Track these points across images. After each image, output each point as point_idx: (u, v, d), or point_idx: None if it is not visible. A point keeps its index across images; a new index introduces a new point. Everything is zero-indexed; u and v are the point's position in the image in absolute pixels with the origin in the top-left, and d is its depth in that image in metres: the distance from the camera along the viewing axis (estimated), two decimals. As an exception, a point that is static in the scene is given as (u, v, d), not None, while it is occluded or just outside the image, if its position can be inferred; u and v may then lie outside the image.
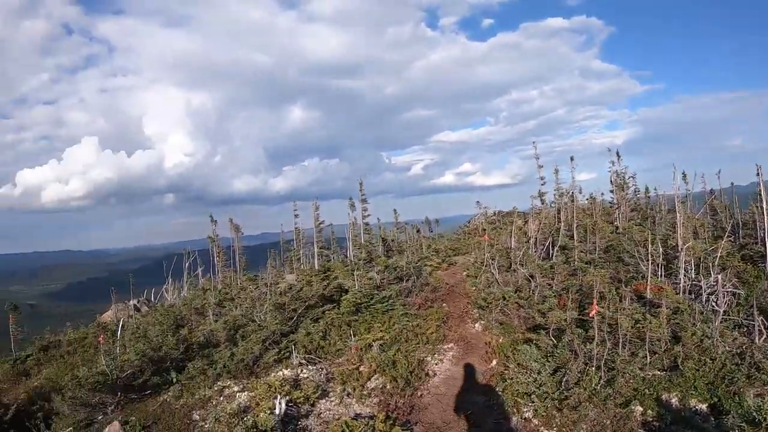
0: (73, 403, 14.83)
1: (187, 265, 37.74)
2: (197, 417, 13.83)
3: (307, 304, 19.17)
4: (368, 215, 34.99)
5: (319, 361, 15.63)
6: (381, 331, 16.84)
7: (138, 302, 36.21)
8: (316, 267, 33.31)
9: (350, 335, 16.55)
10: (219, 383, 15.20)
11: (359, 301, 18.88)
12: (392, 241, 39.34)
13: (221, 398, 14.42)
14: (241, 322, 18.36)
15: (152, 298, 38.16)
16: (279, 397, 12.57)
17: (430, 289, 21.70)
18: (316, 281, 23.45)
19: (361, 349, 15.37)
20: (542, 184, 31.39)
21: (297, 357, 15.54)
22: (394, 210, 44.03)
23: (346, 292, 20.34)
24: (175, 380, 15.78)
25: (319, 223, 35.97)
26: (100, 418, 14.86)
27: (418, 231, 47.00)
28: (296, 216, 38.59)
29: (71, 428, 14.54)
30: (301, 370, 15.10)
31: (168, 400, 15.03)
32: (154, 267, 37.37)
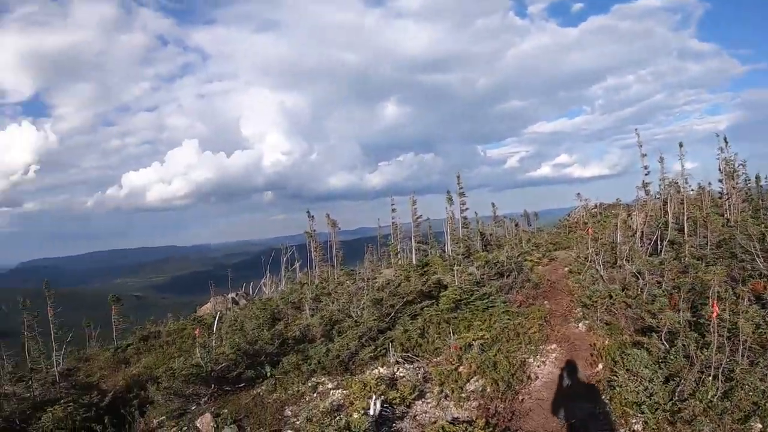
0: (167, 394, 14.93)
1: (284, 259, 38.04)
2: (289, 413, 13.52)
3: (405, 300, 18.64)
4: (466, 209, 34.43)
5: (417, 360, 14.89)
6: (481, 329, 15.90)
7: (236, 295, 36.67)
8: (414, 262, 32.92)
9: (449, 333, 15.71)
10: (313, 379, 14.85)
11: (459, 297, 18.02)
12: (490, 235, 38.64)
13: (315, 395, 14.06)
14: (337, 317, 18.07)
15: (251, 292, 38.69)
16: (374, 397, 11.91)
17: (531, 286, 20.62)
18: (415, 276, 23.01)
19: (460, 348, 14.50)
20: (646, 174, 30.01)
21: (394, 355, 14.91)
22: (492, 203, 43.27)
23: (445, 288, 19.67)
24: (269, 374, 15.61)
25: (417, 218, 35.63)
26: (193, 408, 14.99)
27: (516, 225, 46.02)
28: (393, 210, 38.45)
29: (164, 417, 14.76)
30: (398, 369, 14.46)
31: (261, 394, 14.86)
32: (253, 261, 37.93)
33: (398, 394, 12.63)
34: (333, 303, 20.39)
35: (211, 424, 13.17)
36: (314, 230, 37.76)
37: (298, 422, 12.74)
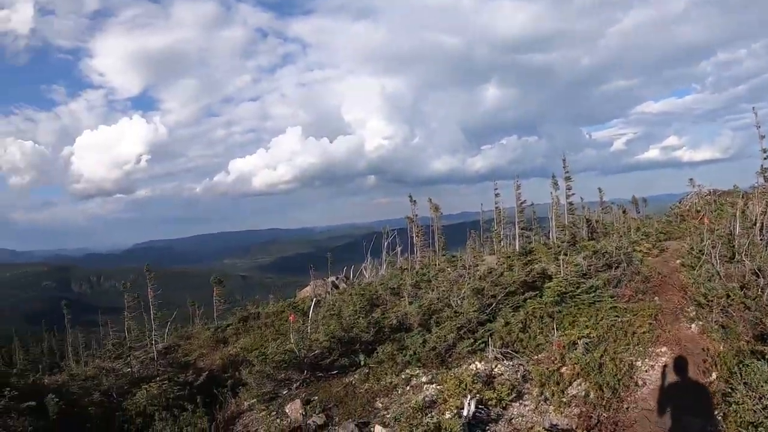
0: (259, 377, 15.02)
1: (385, 243, 37.84)
2: (380, 405, 13.20)
3: (507, 290, 17.69)
4: (572, 194, 33.35)
5: (516, 357, 14.02)
6: (587, 326, 14.72)
7: (336, 279, 36.80)
8: (517, 249, 32.13)
9: (552, 329, 14.75)
10: (407, 371, 14.47)
11: (564, 290, 16.91)
12: (597, 222, 37.23)
13: (407, 388, 13.66)
14: (436, 306, 17.49)
15: (351, 275, 38.80)
16: (469, 396, 11.29)
17: (640, 279, 19.26)
18: (518, 265, 22.15)
19: (563, 346, 13.54)
20: (765, 158, 28.09)
21: (493, 350, 14.14)
22: (599, 189, 41.66)
23: (549, 278, 18.67)
24: (362, 363, 15.45)
25: (521, 203, 34.77)
26: (284, 393, 14.96)
27: (624, 212, 44.27)
28: (496, 195, 37.69)
29: (255, 400, 14.79)
30: (496, 365, 13.74)
31: (353, 383, 14.68)
32: (356, 245, 38.08)
33: (495, 395, 11.83)
34: (432, 291, 19.85)
35: (300, 411, 13.09)
36: (416, 215, 37.41)
37: (388, 415, 12.43)
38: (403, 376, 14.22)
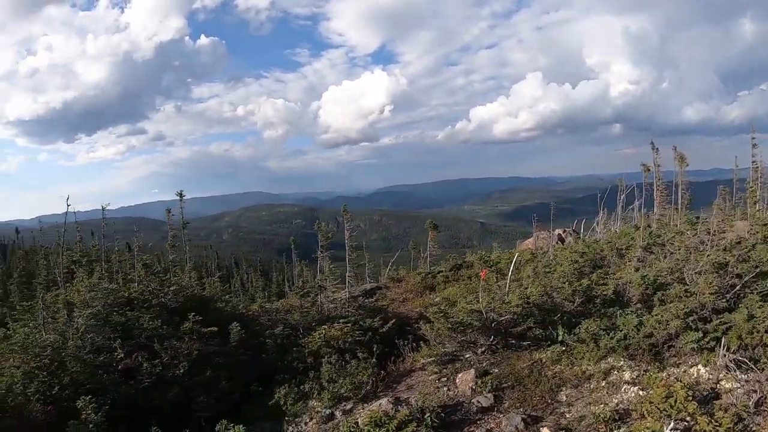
0: (438, 335, 13.68)
1: (621, 197, 34.15)
2: (563, 398, 10.59)
3: (758, 270, 13.16)
4: None
5: (755, 370, 9.94)
6: None
7: (563, 232, 34.16)
8: (773, 215, 27.11)
9: None
10: (609, 360, 11.54)
11: None
12: None
13: (603, 383, 10.77)
14: (664, 279, 14.19)
15: (582, 230, 36.17)
16: (672, 422, 8.11)
17: None
18: None
19: None
20: None
21: (725, 356, 10.34)
22: None
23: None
24: (560, 338, 12.84)
25: None
26: (467, 356, 13.40)
27: None
28: (754, 146, 32.51)
29: (433, 359, 13.46)
30: (725, 375, 10.08)
31: (543, 360, 12.28)
32: (596, 198, 34.89)
33: (710, 427, 7.95)
34: (664, 258, 16.44)
35: (471, 385, 11.32)
36: (659, 165, 32.81)
37: (568, 414, 9.84)
38: (602, 366, 11.36)
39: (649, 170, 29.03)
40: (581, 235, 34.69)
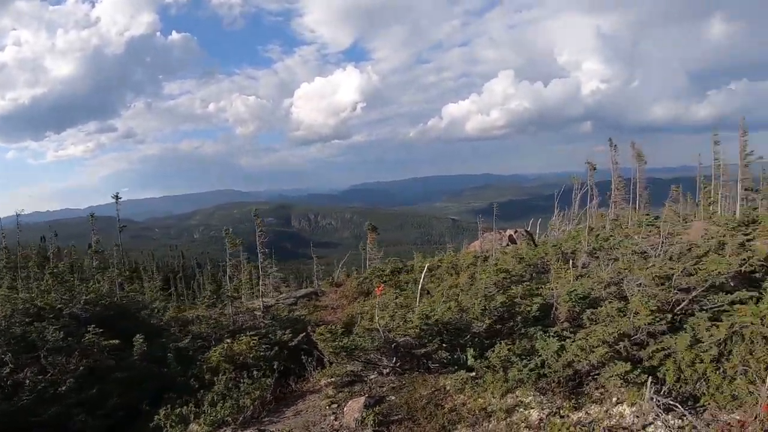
0: (335, 352, 11.95)
1: (577, 195, 32.61)
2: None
3: (708, 283, 11.13)
4: None
5: (693, 411, 7.96)
6: None
7: (515, 233, 32.47)
8: (737, 215, 25.29)
9: (765, 369, 8.26)
10: (517, 393, 9.58)
11: None
12: None
13: (503, 423, 8.84)
14: (598, 293, 12.20)
15: (537, 230, 35.04)
16: None
17: None
18: (731, 243, 15.32)
19: None
20: None
21: (653, 398, 8.06)
22: None
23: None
24: (468, 362, 11.15)
25: (747, 154, 27.62)
26: (372, 377, 12.16)
27: None
28: (716, 143, 31.52)
29: (333, 380, 12.36)
30: (655, 419, 7.91)
31: (447, 388, 10.57)
32: (568, 194, 33.41)
33: None
34: (606, 265, 14.57)
35: (356, 415, 9.82)
36: (616, 163, 32.43)
37: None
38: (508, 401, 9.43)
39: (594, 168, 27.34)
40: (537, 236, 33.06)
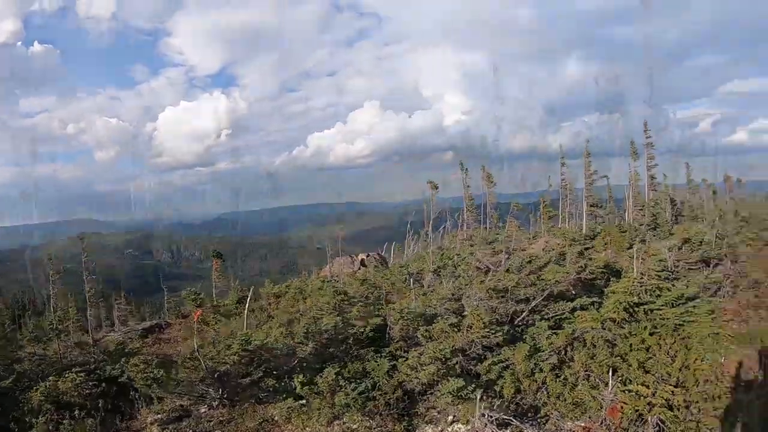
0: (165, 386, 11.11)
1: (431, 219, 32.81)
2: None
3: (547, 292, 11.16)
4: (654, 165, 27.85)
5: (531, 423, 7.56)
6: (668, 371, 8.13)
7: (367, 257, 31.97)
8: (584, 229, 26.11)
9: (607, 372, 8.09)
10: (345, 419, 9.10)
11: (636, 299, 10.35)
12: (682, 203, 31.65)
13: None
14: (435, 309, 11.75)
15: (392, 253, 35.22)
16: None
17: (749, 285, 12.82)
18: (571, 254, 15.53)
19: (622, 413, 7.04)
20: None
21: (484, 414, 7.47)
22: (686, 164, 37.33)
23: (618, 275, 12.69)
24: (296, 389, 10.16)
25: (591, 173, 29.15)
26: (202, 411, 11.40)
27: (714, 192, 38.77)
28: (562, 165, 33.76)
29: (157, 416, 11.54)
30: None
31: (275, 418, 10.22)
32: (425, 221, 33.59)
33: None
34: (449, 282, 14.53)
35: None
36: (468, 186, 33.78)
37: None
38: (335, 429, 8.94)
39: (437, 188, 27.49)
40: (392, 259, 33.31)
